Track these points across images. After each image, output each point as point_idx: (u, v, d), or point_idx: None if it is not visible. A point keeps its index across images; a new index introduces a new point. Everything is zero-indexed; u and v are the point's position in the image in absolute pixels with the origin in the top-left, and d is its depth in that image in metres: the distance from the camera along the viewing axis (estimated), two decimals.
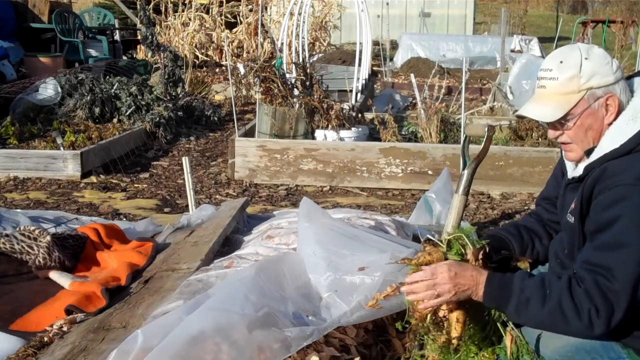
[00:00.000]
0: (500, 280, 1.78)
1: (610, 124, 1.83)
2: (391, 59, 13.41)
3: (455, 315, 1.82)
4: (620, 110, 1.83)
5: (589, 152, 1.86)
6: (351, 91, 6.87)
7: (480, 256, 1.86)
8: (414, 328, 1.93)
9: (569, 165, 1.98)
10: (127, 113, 6.63)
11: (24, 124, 6.16)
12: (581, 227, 1.82)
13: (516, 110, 7.05)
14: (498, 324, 1.89)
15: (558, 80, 1.83)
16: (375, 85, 10.06)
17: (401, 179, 5.20)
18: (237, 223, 3.33)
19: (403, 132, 6.29)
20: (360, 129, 5.90)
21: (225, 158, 5.72)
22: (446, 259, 1.86)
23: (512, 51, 12.24)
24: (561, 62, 1.84)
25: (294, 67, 6.24)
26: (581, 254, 1.76)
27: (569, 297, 1.66)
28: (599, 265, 1.67)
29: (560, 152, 2.06)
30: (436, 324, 1.87)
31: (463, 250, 1.87)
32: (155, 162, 5.93)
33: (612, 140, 1.80)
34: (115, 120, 6.63)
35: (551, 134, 1.92)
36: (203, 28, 12.21)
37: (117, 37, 10.51)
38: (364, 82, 7.46)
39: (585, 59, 1.82)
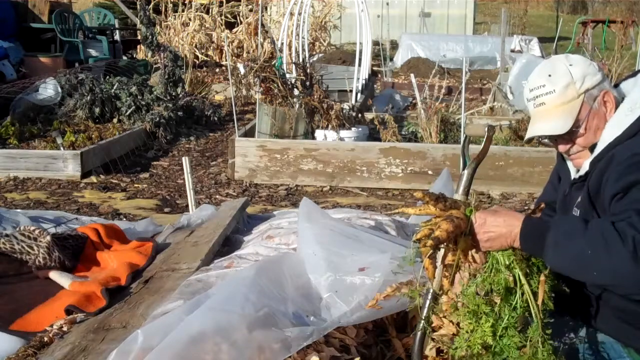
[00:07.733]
0: (537, 220, 1.72)
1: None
2: (391, 59, 13.40)
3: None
4: (616, 103, 1.85)
5: (591, 149, 1.86)
6: (351, 91, 6.88)
7: None
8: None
9: (572, 168, 1.98)
10: (127, 113, 6.64)
11: (24, 124, 6.17)
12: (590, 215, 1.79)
13: (517, 111, 7.09)
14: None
15: (556, 92, 1.84)
16: (375, 85, 10.06)
17: (401, 179, 5.19)
18: (237, 223, 3.33)
19: (403, 132, 6.30)
20: (360, 129, 5.90)
21: (225, 158, 5.72)
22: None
23: (512, 51, 12.23)
24: (550, 75, 1.86)
25: (294, 67, 6.25)
26: (614, 210, 1.69)
27: (611, 227, 1.59)
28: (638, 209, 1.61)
29: (557, 156, 2.05)
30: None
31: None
32: (155, 162, 5.93)
33: (613, 131, 1.80)
34: (115, 120, 6.64)
35: (562, 148, 1.90)
36: (203, 28, 12.20)
37: (117, 37, 10.52)
38: (364, 82, 7.46)
39: (570, 65, 1.84)
